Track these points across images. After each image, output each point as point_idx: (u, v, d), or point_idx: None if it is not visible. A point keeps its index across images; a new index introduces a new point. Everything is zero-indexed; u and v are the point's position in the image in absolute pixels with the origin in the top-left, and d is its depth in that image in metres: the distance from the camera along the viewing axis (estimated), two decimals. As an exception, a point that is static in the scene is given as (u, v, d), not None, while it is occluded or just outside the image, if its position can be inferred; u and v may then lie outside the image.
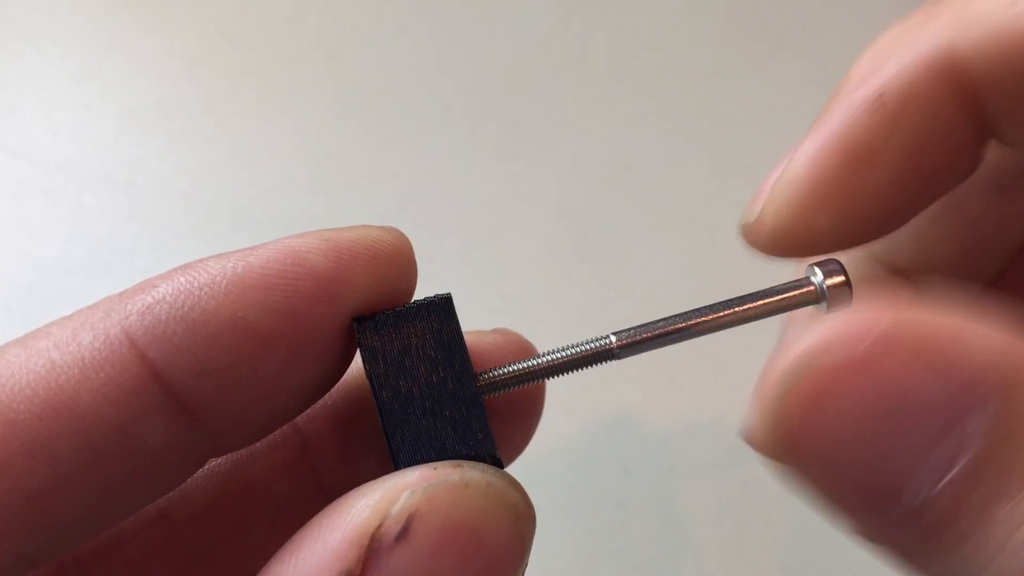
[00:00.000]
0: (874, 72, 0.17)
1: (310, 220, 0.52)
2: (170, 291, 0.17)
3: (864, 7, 0.62)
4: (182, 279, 0.17)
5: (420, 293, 0.20)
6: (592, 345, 0.19)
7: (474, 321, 0.49)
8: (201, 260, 0.17)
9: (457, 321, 0.19)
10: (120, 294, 0.17)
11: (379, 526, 0.15)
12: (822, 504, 0.16)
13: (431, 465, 0.16)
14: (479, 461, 0.17)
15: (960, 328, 0.14)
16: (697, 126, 0.56)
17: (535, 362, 0.20)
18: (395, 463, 0.18)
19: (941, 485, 0.14)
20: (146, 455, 0.17)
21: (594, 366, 0.20)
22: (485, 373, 0.19)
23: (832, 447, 0.15)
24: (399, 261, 0.19)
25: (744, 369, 0.45)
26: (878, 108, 0.17)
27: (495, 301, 0.48)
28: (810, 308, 0.19)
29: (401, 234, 0.19)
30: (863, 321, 0.15)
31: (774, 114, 0.56)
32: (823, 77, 0.58)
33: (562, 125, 0.56)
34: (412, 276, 0.19)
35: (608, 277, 0.50)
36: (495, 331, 0.21)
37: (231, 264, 0.17)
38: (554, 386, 0.22)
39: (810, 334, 0.15)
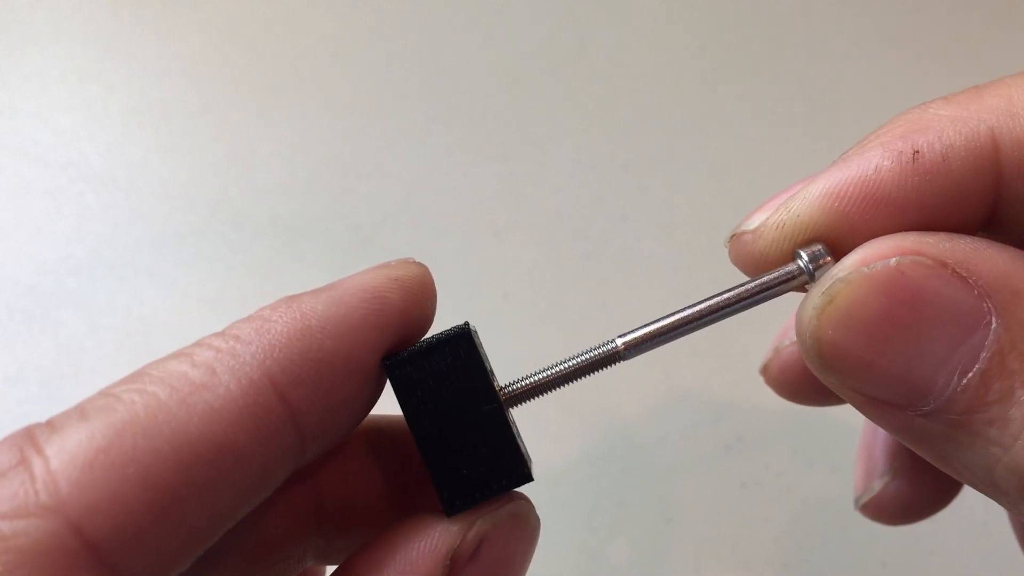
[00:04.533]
0: (908, 135, 0.18)
1: (310, 220, 0.52)
2: (289, 330, 0.18)
3: (861, 9, 0.62)
4: (296, 315, 0.18)
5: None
6: (599, 351, 0.20)
7: (474, 321, 0.49)
8: (297, 298, 0.19)
9: (477, 349, 0.20)
10: (235, 337, 0.18)
11: (457, 546, 0.19)
12: (862, 406, 0.18)
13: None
14: (517, 486, 0.19)
15: (972, 247, 0.17)
16: (697, 126, 0.56)
17: (547, 373, 0.21)
18: (445, 510, 0.19)
19: (967, 379, 0.16)
20: (273, 483, 0.18)
21: (602, 369, 0.21)
22: (505, 388, 0.20)
23: (863, 354, 0.17)
24: (432, 293, 0.21)
25: (743, 369, 0.46)
26: (911, 160, 0.18)
27: (495, 301, 0.49)
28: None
29: (426, 267, 0.21)
30: (889, 244, 0.17)
31: (773, 114, 0.56)
32: (820, 78, 0.58)
33: (562, 125, 0.56)
34: (434, 306, 0.21)
35: (608, 277, 0.50)
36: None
37: (333, 306, 0.19)
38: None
39: (845, 258, 0.18)
